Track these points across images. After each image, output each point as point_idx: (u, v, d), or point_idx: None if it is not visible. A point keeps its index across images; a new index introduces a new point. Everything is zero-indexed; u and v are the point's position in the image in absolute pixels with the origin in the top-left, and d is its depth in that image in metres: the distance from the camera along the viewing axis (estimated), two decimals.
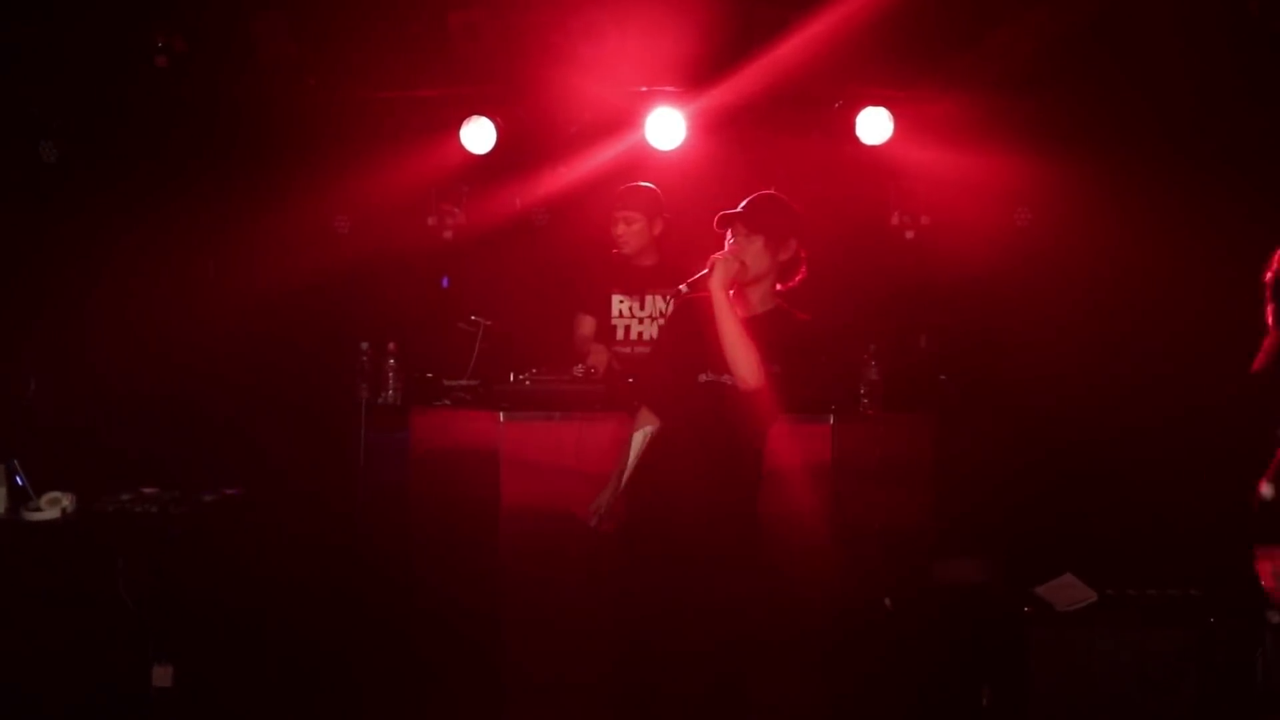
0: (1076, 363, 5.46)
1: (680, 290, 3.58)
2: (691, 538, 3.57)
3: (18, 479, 4.57)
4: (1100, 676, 4.21)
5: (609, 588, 3.84)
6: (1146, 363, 5.29)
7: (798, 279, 3.73)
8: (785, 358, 3.55)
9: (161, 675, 3.95)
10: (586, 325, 5.06)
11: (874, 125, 5.44)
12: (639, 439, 3.75)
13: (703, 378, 3.63)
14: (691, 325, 3.69)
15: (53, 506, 4.40)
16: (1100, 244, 5.38)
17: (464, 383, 5.06)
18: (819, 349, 3.62)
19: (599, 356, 4.87)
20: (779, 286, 3.71)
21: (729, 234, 3.66)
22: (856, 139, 5.48)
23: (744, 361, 3.45)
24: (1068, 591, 4.40)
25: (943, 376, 5.38)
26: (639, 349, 4.99)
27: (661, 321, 4.72)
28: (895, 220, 6.08)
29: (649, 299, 4.98)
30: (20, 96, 4.81)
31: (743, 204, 3.72)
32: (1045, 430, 5.34)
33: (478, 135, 5.55)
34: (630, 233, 4.88)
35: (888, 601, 4.70)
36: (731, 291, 3.60)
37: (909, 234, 6.06)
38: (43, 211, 5.10)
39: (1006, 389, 5.42)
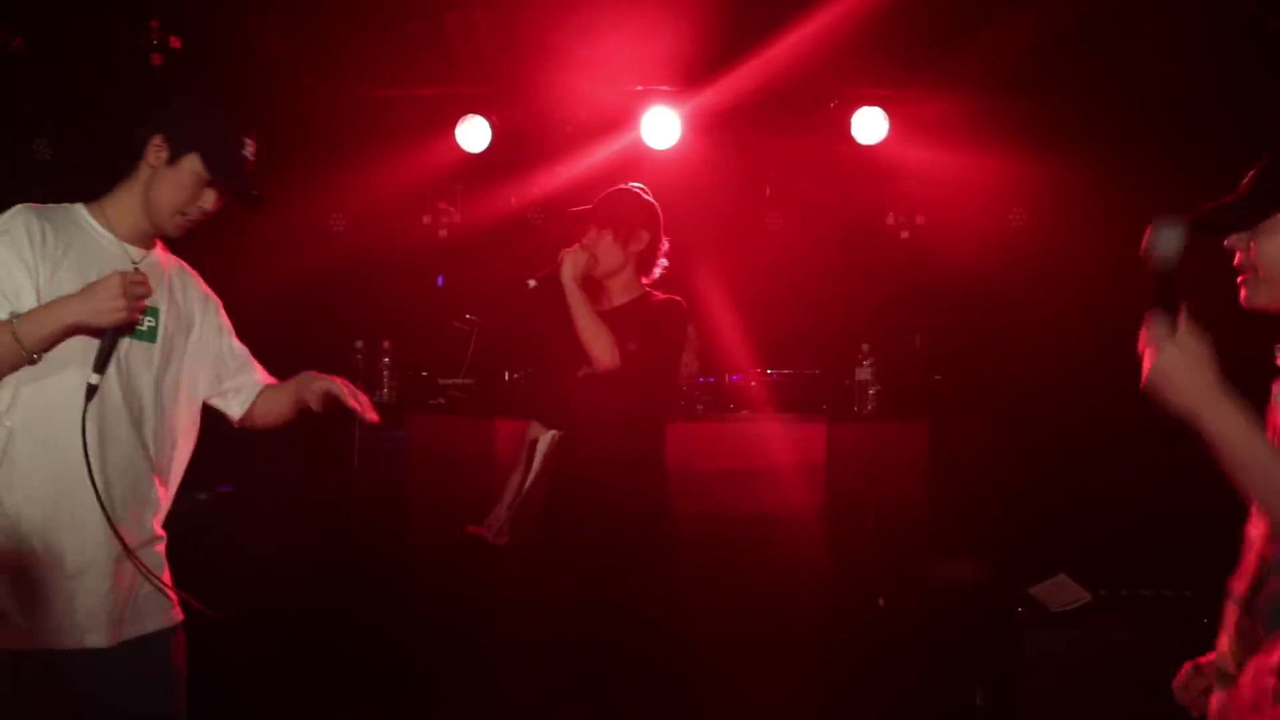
0: (1071, 362, 5.47)
1: (528, 284, 3.63)
2: (603, 538, 3.59)
3: None
4: (1093, 677, 4.22)
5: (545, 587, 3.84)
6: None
7: (657, 269, 3.76)
8: (642, 334, 3.60)
9: None
10: None
11: (869, 125, 5.45)
12: (543, 445, 3.76)
13: (581, 372, 3.66)
14: (563, 327, 3.74)
15: None
16: (1095, 243, 5.38)
17: (459, 381, 5.07)
18: (677, 323, 3.63)
19: None
20: (643, 279, 3.75)
21: (584, 233, 3.71)
22: (852, 138, 5.49)
23: (597, 342, 3.51)
24: (1061, 592, 4.41)
25: (937, 376, 5.39)
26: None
27: None
28: (890, 220, 6.08)
29: None
30: (15, 94, 4.80)
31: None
32: (1040, 430, 5.34)
33: (473, 134, 5.55)
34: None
35: (881, 601, 4.71)
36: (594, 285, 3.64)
37: (904, 234, 6.07)
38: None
39: (1001, 389, 5.43)
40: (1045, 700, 4.23)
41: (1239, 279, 2.28)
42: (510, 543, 3.84)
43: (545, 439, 3.76)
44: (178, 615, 2.75)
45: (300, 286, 5.33)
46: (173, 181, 2.66)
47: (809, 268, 5.83)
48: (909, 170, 5.68)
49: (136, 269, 2.64)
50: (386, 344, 5.34)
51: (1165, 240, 2.10)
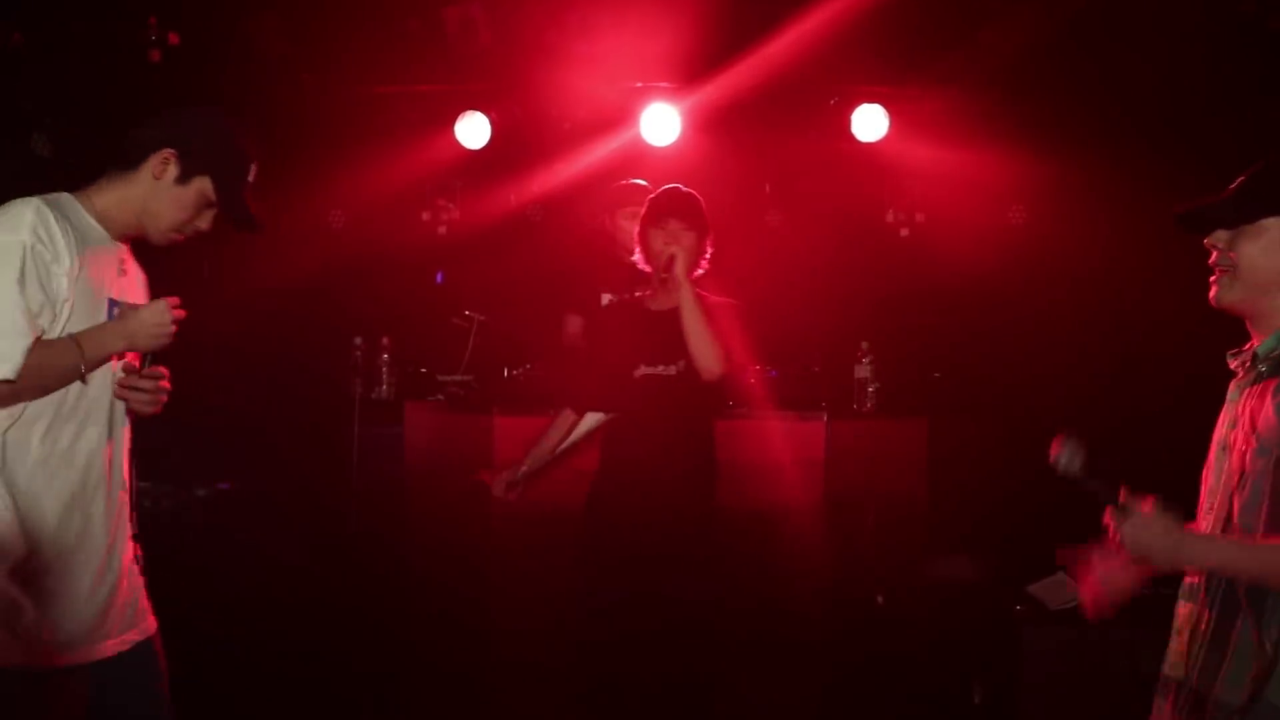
0: (1070, 360, 5.47)
1: (636, 297, 3.61)
2: (648, 533, 3.59)
3: None
4: (1091, 675, 4.22)
5: (585, 583, 3.85)
6: (1140, 360, 5.30)
7: (701, 271, 3.76)
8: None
9: None
10: (575, 325, 5.05)
11: (869, 122, 5.44)
12: (590, 422, 3.77)
13: (639, 371, 3.65)
14: (619, 325, 3.73)
15: None
16: (1095, 241, 5.38)
17: (458, 378, 5.06)
18: (733, 325, 3.64)
19: None
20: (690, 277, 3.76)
21: (665, 225, 3.67)
22: (852, 136, 5.48)
23: (709, 350, 3.49)
24: (1060, 590, 4.41)
25: (936, 374, 5.39)
26: None
27: None
28: (890, 217, 6.08)
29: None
30: (14, 90, 4.80)
31: (657, 195, 3.75)
32: (1039, 428, 5.32)
33: (472, 131, 5.54)
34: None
35: (880, 599, 4.71)
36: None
37: (904, 231, 6.06)
38: None
39: (1000, 386, 5.43)
40: (1044, 698, 4.23)
41: (1212, 277, 2.30)
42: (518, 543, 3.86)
43: (594, 418, 3.77)
44: (154, 621, 2.73)
45: (299, 283, 5.33)
46: (178, 200, 2.62)
47: (808, 265, 5.82)
48: (909, 168, 5.68)
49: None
50: (385, 340, 5.33)
51: (1067, 460, 2.32)
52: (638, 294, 3.92)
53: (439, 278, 6.37)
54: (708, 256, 3.74)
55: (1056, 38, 4.90)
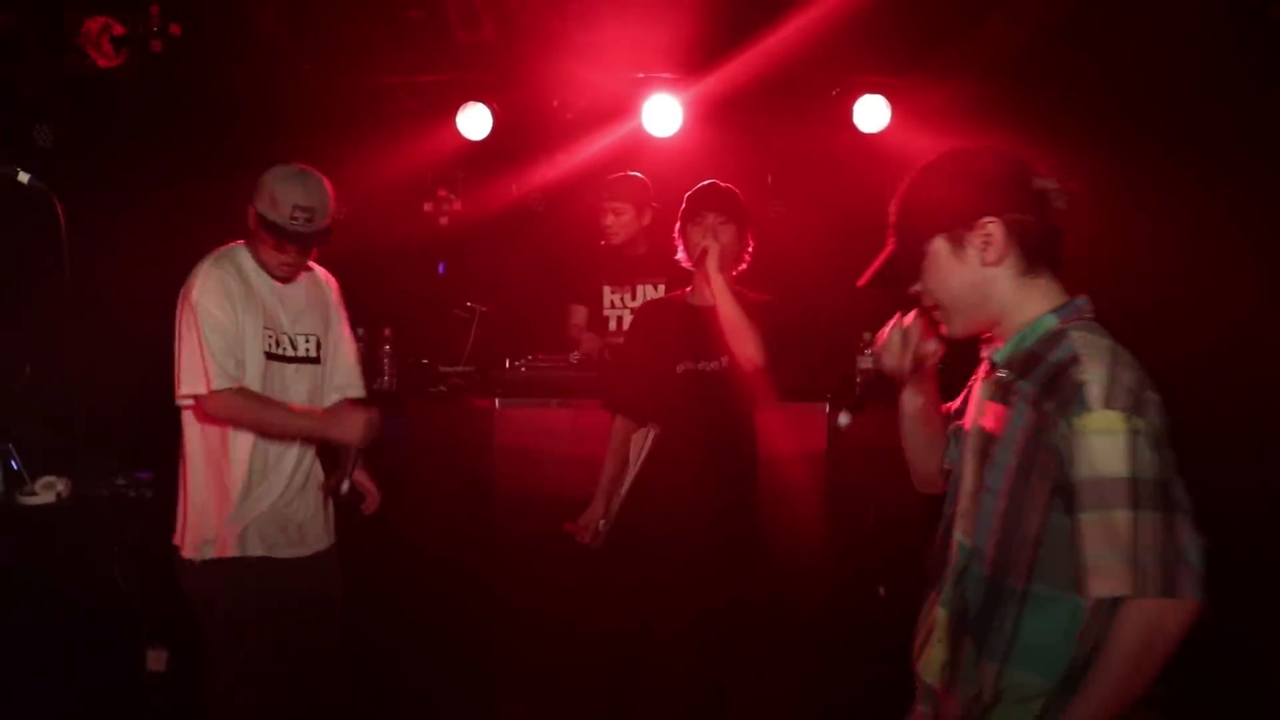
0: None
1: (678, 294, 3.60)
2: (694, 534, 3.57)
3: (12, 463, 4.56)
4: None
5: (613, 583, 3.86)
6: (1142, 354, 5.29)
7: (741, 268, 3.75)
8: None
9: (156, 659, 3.96)
10: (579, 315, 5.06)
11: (871, 113, 5.43)
12: (640, 446, 3.75)
13: (680, 368, 3.64)
14: (660, 321, 3.72)
15: (47, 491, 4.40)
16: (1100, 232, 5.36)
17: (460, 369, 5.06)
18: (772, 325, 3.62)
19: (593, 344, 4.87)
20: (732, 273, 3.73)
21: (703, 220, 3.65)
22: (854, 127, 5.47)
23: (749, 341, 3.47)
24: None
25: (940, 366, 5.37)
26: None
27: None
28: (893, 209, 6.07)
29: (640, 289, 4.97)
30: (14, 79, 4.79)
31: (695, 191, 3.73)
32: None
33: (474, 122, 5.54)
34: (619, 223, 4.86)
35: (881, 590, 4.70)
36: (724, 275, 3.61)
37: None
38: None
39: None
40: None
41: (934, 315, 2.20)
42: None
43: (641, 438, 3.76)
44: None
45: None
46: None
47: (810, 256, 5.81)
48: (911, 158, 5.64)
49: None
50: (387, 331, 5.33)
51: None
52: (681, 290, 3.89)
53: (441, 269, 6.37)
54: (750, 251, 3.72)
55: (1059, 29, 4.88)
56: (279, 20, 4.91)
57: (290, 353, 3.36)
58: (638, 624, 3.72)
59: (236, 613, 3.27)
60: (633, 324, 4.15)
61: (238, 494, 3.29)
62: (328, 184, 3.30)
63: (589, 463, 4.02)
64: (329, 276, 3.58)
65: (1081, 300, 2.07)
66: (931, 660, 2.12)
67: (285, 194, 3.20)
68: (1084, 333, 1.98)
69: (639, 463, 3.78)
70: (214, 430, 3.30)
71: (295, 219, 3.19)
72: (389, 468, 5.13)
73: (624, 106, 5.54)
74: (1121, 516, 1.83)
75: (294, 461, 3.40)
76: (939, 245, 2.08)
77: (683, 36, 5.02)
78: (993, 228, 2.03)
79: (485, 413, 4.70)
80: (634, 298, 5.00)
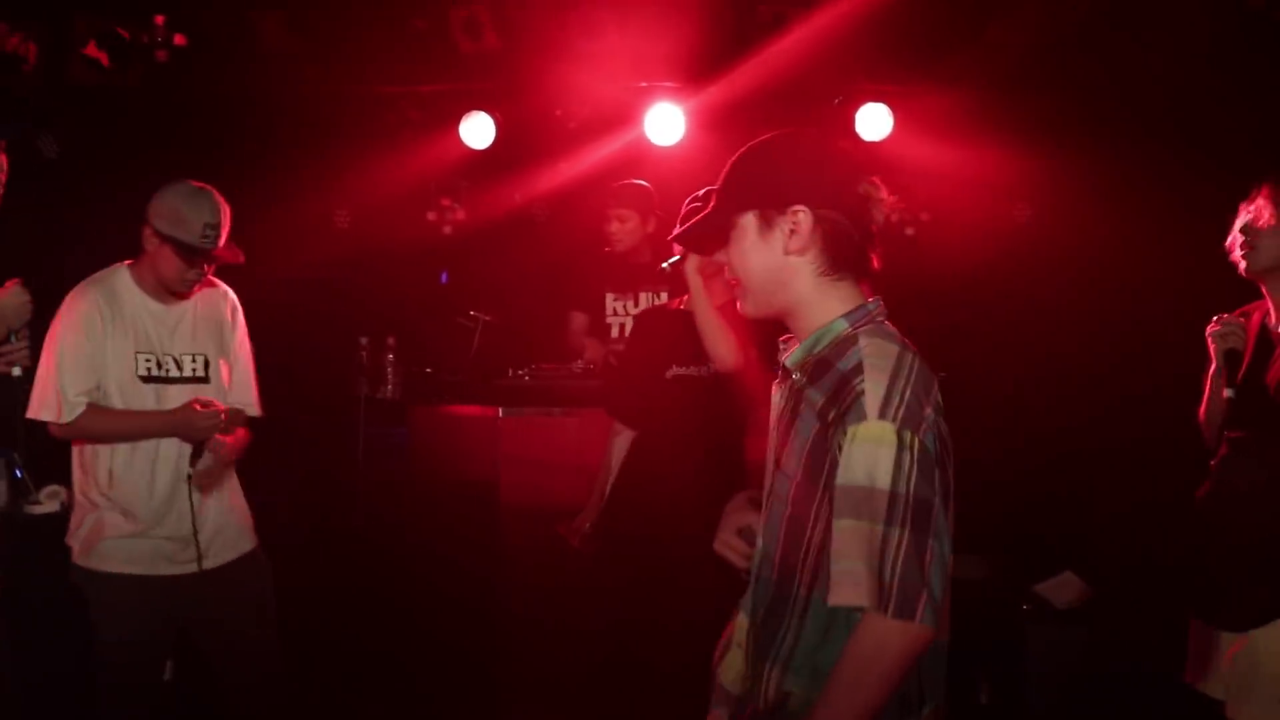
0: (1077, 358, 5.46)
1: (662, 268, 3.57)
2: (678, 538, 3.58)
3: (17, 472, 4.56)
4: (1099, 675, 4.22)
5: (601, 588, 3.86)
6: (1148, 359, 5.29)
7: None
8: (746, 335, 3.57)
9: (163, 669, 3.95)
10: (580, 323, 5.06)
11: (873, 121, 5.43)
12: (617, 448, 3.77)
13: (670, 373, 3.65)
14: (654, 328, 3.73)
15: (52, 500, 4.38)
16: (1102, 239, 5.37)
17: (463, 378, 5.06)
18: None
19: (595, 352, 4.87)
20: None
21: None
22: (856, 134, 5.48)
23: (720, 342, 3.46)
24: (1066, 589, 4.40)
25: (942, 373, 5.37)
26: None
27: None
28: (894, 217, 6.08)
29: (642, 297, 4.97)
30: (18, 90, 4.81)
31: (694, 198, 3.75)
32: (1046, 427, 5.34)
33: (477, 130, 5.54)
34: (623, 231, 4.86)
35: None
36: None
37: (909, 230, 6.06)
38: (42, 205, 5.10)
39: (1006, 385, 5.42)
40: (1050, 697, 4.22)
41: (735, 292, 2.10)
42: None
43: (619, 442, 3.78)
44: None
45: (304, 282, 5.34)
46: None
47: None
48: (913, 166, 5.66)
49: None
50: (391, 340, 5.34)
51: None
52: (680, 298, 3.90)
53: (444, 277, 6.38)
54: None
55: (1062, 34, 4.89)
56: (283, 30, 4.93)
57: (174, 373, 3.39)
58: (635, 627, 3.71)
59: (104, 625, 3.37)
60: (632, 331, 4.16)
61: (108, 504, 3.37)
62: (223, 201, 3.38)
63: (592, 470, 4.02)
64: (228, 292, 3.58)
65: (873, 303, 2.02)
66: (729, 664, 2.10)
67: (194, 212, 3.24)
68: (874, 339, 1.93)
69: (616, 468, 3.79)
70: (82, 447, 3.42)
71: (206, 237, 3.25)
72: (392, 476, 5.15)
73: (627, 115, 5.55)
74: (874, 529, 1.80)
75: (151, 476, 3.39)
76: (749, 220, 2.00)
77: (685, 45, 5.03)
78: (802, 217, 1.96)
79: (489, 421, 4.70)
80: (636, 305, 5.00)
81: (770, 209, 1.98)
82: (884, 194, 2.01)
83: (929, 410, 1.87)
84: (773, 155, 2.03)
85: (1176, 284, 5.13)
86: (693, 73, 5.31)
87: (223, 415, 3.33)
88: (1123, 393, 5.31)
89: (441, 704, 4.60)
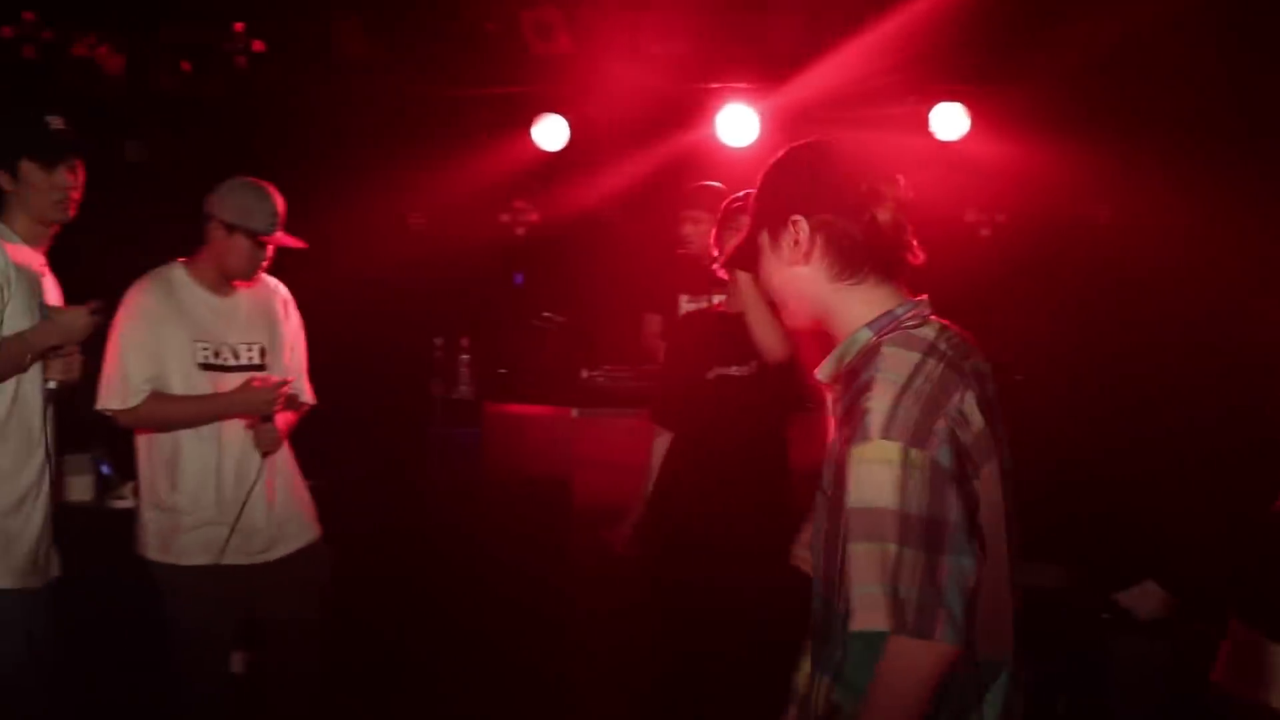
0: (1160, 364, 5.34)
1: (711, 303, 3.60)
2: (724, 538, 3.57)
3: (103, 468, 4.69)
4: (1184, 688, 4.12)
5: (652, 589, 3.86)
6: (1233, 365, 5.17)
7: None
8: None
9: (235, 661, 4.02)
10: (654, 325, 5.05)
11: (949, 120, 5.36)
12: (657, 451, 3.78)
13: (711, 374, 3.65)
14: (693, 330, 3.73)
15: (136, 495, 4.51)
16: (1186, 241, 5.25)
17: (537, 379, 5.09)
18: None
19: None
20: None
21: (736, 222, 3.67)
22: (931, 134, 5.41)
23: (773, 334, 3.47)
24: (1149, 599, 4.31)
25: (1019, 377, 5.30)
26: None
27: None
28: (970, 217, 6.00)
29: (717, 300, 4.95)
30: (106, 97, 4.93)
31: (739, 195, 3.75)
32: (1130, 434, 5.22)
33: (550, 132, 5.57)
34: (697, 232, 4.84)
35: None
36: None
37: (984, 231, 5.98)
38: (128, 209, 5.23)
39: (1086, 391, 5.32)
40: (1132, 709, 4.14)
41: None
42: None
43: (659, 445, 3.79)
44: None
45: (379, 283, 5.40)
46: (35, 187, 3.14)
47: None
48: (990, 166, 5.59)
49: None
50: (465, 341, 5.38)
51: None
52: (715, 300, 3.92)
53: (518, 279, 6.42)
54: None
55: (1142, 31, 4.78)
56: (359, 35, 5.00)
57: (231, 362, 3.50)
58: (687, 627, 3.71)
59: (180, 617, 3.50)
60: (672, 335, 4.16)
61: (178, 499, 3.47)
62: None
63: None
64: (278, 286, 3.70)
65: (904, 307, 1.96)
66: (801, 666, 2.10)
67: (260, 203, 3.45)
68: (896, 349, 1.87)
69: (656, 471, 3.80)
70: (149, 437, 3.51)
71: (272, 223, 3.46)
72: (466, 476, 5.19)
73: (699, 116, 5.54)
74: (886, 550, 1.77)
75: (218, 467, 3.50)
76: (764, 239, 2.02)
77: (758, 46, 5.01)
78: (800, 226, 1.94)
79: (562, 422, 4.72)
80: None
81: (775, 224, 1.98)
82: (896, 190, 1.94)
83: (941, 423, 1.80)
84: (773, 172, 2.05)
85: (1264, 286, 5.00)
86: (765, 73, 5.29)
87: (281, 389, 3.44)
88: (1209, 398, 5.19)
89: (512, 697, 4.62)
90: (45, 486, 3.17)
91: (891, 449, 1.77)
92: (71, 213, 3.15)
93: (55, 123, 3.13)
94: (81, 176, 3.17)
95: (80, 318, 3.07)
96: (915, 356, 1.86)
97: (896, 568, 1.77)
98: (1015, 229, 5.92)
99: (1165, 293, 5.36)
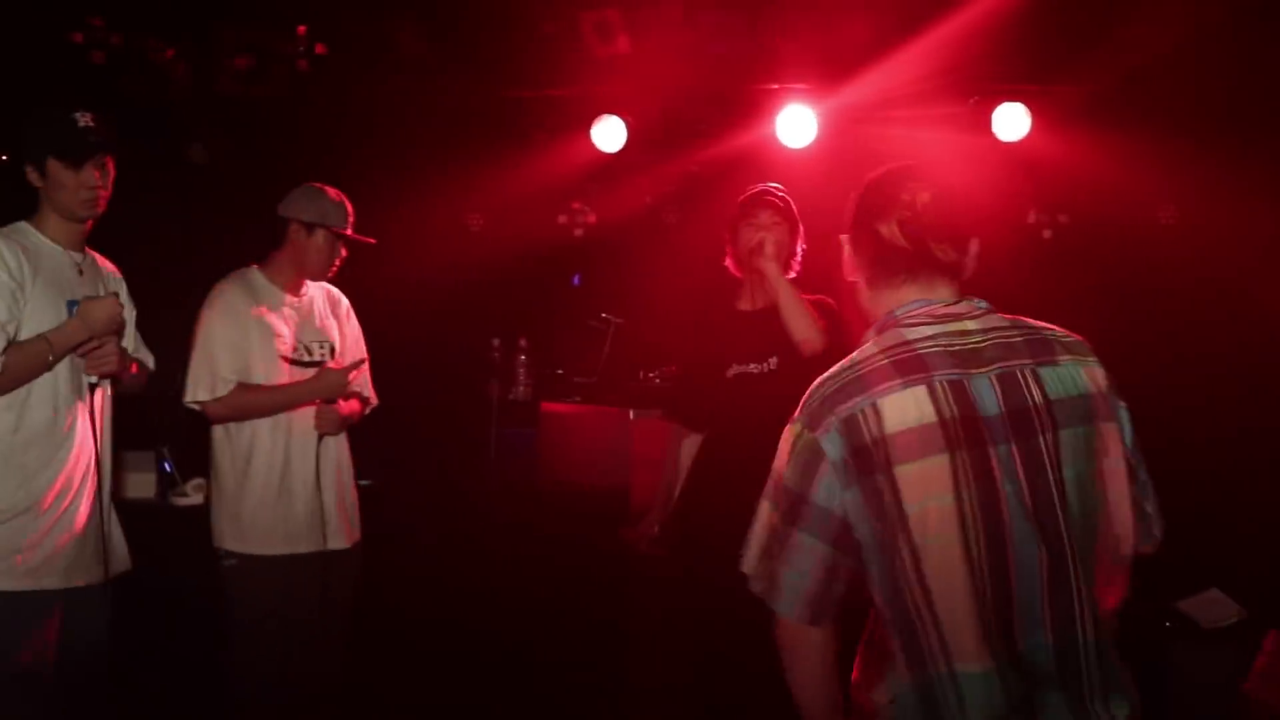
0: (1226, 367, 5.24)
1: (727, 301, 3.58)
2: (742, 529, 3.54)
3: (166, 465, 4.77)
4: (1248, 698, 4.03)
5: (683, 592, 3.85)
6: None
7: (791, 275, 3.68)
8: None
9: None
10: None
11: (1011, 121, 5.28)
12: (683, 452, 3.78)
13: (731, 372, 3.62)
14: (712, 327, 3.71)
15: (197, 492, 4.59)
16: (1252, 243, 5.14)
17: (593, 379, 5.10)
18: (829, 324, 3.56)
19: None
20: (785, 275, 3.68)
21: (756, 218, 3.65)
22: (993, 135, 5.33)
23: (808, 325, 3.46)
24: (1213, 607, 4.23)
25: None
26: None
27: None
28: (1032, 218, 5.91)
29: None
30: (170, 100, 5.01)
31: (747, 195, 3.73)
32: (1192, 436, 5.13)
33: (609, 134, 5.57)
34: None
35: None
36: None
37: (1046, 233, 5.89)
38: (191, 211, 5.32)
39: (1148, 393, 5.21)
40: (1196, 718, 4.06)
41: None
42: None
43: (688, 444, 3.78)
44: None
45: (438, 284, 5.44)
46: (59, 185, 3.14)
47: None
48: (1052, 167, 5.50)
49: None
50: (523, 341, 5.41)
51: None
52: (728, 297, 3.88)
53: (575, 280, 6.43)
54: (799, 258, 3.71)
55: (1205, 30, 4.68)
56: (419, 37, 5.04)
57: (306, 357, 3.72)
58: (721, 626, 3.69)
59: (246, 605, 3.63)
60: (690, 334, 4.12)
61: (251, 487, 3.62)
62: None
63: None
64: (340, 295, 3.95)
65: (903, 308, 2.06)
66: None
67: (335, 204, 3.70)
68: (870, 344, 2.04)
69: (686, 471, 3.78)
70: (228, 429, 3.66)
71: (348, 222, 3.72)
72: (523, 475, 5.21)
73: (758, 117, 5.51)
74: (764, 504, 2.05)
75: (286, 456, 3.66)
76: (844, 240, 2.22)
77: (817, 46, 4.98)
78: (844, 245, 2.18)
79: (620, 423, 4.72)
80: None
81: (845, 244, 2.19)
82: (911, 201, 2.09)
83: (842, 410, 1.94)
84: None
85: None
86: (825, 74, 5.25)
87: (352, 372, 3.67)
88: (1273, 404, 5.08)
89: (566, 696, 4.64)
90: (83, 485, 3.13)
91: (795, 427, 2.03)
92: (100, 208, 3.16)
93: (84, 119, 3.09)
94: (112, 173, 3.17)
95: (103, 310, 3.04)
96: (868, 350, 2.02)
97: (760, 520, 2.05)
98: (1077, 230, 5.82)
99: (1230, 294, 5.25)
